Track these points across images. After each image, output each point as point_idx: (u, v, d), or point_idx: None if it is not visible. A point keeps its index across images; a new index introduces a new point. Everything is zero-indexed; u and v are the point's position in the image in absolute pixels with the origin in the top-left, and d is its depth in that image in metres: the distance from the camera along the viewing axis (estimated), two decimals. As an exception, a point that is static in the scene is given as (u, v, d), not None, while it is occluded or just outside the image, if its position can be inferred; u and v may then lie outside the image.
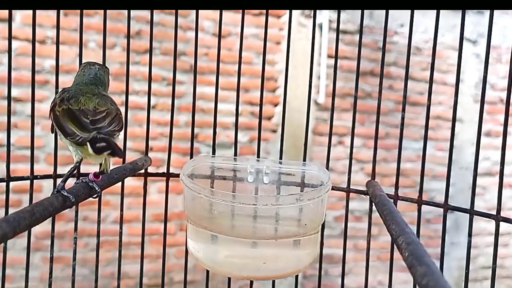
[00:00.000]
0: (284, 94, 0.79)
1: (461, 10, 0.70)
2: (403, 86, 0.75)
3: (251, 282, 0.74)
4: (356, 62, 0.77)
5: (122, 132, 0.78)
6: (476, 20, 2.43)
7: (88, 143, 0.53)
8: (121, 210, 0.81)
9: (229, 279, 0.77)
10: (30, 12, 0.73)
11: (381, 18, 1.89)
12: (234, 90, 0.83)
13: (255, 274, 0.61)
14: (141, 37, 2.01)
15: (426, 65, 2.41)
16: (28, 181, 0.74)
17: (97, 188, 0.61)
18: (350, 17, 2.27)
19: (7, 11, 0.71)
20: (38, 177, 0.76)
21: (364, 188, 0.74)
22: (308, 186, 0.67)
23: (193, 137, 0.80)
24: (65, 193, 0.56)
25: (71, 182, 0.64)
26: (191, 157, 0.75)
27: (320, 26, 2.21)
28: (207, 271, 0.74)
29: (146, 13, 1.98)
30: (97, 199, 0.77)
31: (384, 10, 0.75)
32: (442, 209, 0.71)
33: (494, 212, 0.67)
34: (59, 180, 0.77)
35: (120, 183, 0.76)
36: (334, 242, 2.26)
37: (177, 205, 1.96)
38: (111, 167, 0.71)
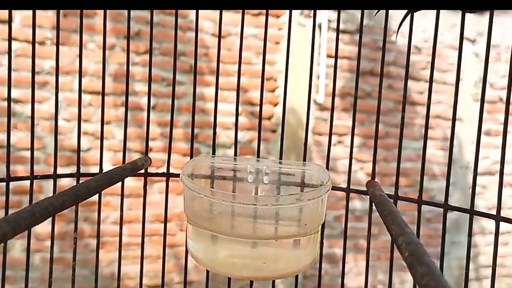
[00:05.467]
0: (284, 94, 0.79)
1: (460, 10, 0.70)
2: (402, 85, 0.75)
3: (251, 282, 0.74)
4: (356, 61, 0.77)
5: (122, 133, 0.78)
6: (476, 19, 2.43)
7: None
8: (121, 210, 0.81)
9: (229, 279, 0.77)
10: (30, 13, 0.73)
11: (381, 18, 1.89)
12: (234, 90, 0.83)
13: (255, 274, 0.61)
14: (141, 37, 2.01)
15: (426, 64, 2.41)
16: (28, 182, 0.74)
17: None
18: (349, 17, 2.27)
19: (7, 12, 0.71)
20: (38, 177, 0.76)
21: (364, 188, 0.74)
22: (308, 186, 0.67)
23: (193, 137, 0.80)
24: None
25: (71, 182, 0.64)
26: (191, 158, 0.75)
27: (320, 26, 2.22)
28: (207, 272, 0.74)
29: (146, 14, 1.98)
30: (97, 199, 0.77)
31: (384, 10, 0.75)
32: (442, 209, 0.71)
33: (494, 211, 0.67)
34: (59, 181, 0.77)
35: (120, 184, 0.76)
36: (334, 242, 2.26)
37: (177, 205, 1.96)
38: (111, 167, 0.71)
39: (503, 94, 2.52)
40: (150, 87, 0.81)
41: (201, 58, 2.05)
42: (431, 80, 0.72)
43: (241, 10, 0.81)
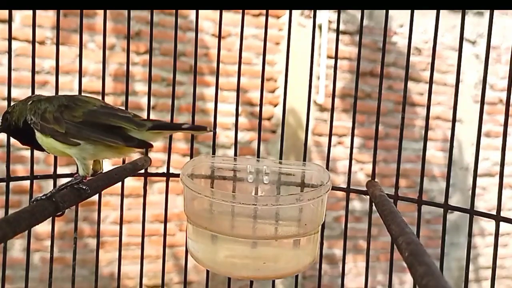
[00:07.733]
0: (284, 94, 0.79)
1: (460, 11, 0.70)
2: (402, 86, 0.75)
3: (251, 282, 0.74)
4: (356, 62, 0.77)
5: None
6: (476, 20, 2.43)
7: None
8: (121, 210, 0.81)
9: (229, 279, 0.77)
10: (30, 12, 0.73)
11: (381, 19, 1.89)
12: (233, 91, 0.83)
13: (255, 274, 0.61)
14: (141, 37, 2.01)
15: (426, 65, 2.41)
16: (28, 182, 0.74)
17: (85, 188, 0.57)
18: (349, 18, 2.27)
19: (7, 11, 0.71)
20: (38, 177, 0.76)
21: (364, 188, 0.74)
22: (308, 186, 0.67)
23: (193, 137, 0.80)
24: (57, 199, 0.52)
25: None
26: (191, 158, 0.75)
27: (320, 27, 2.22)
28: (207, 272, 0.74)
29: (146, 14, 1.98)
30: (97, 199, 0.77)
31: (384, 11, 0.75)
32: (442, 210, 0.71)
33: (494, 212, 0.67)
34: (59, 180, 0.77)
35: (120, 184, 0.76)
36: (334, 242, 2.26)
37: (177, 205, 1.96)
38: (111, 167, 0.71)
39: (503, 96, 2.52)
40: (150, 87, 0.81)
41: (201, 58, 2.05)
42: (431, 81, 0.72)
43: (241, 11, 0.81)
